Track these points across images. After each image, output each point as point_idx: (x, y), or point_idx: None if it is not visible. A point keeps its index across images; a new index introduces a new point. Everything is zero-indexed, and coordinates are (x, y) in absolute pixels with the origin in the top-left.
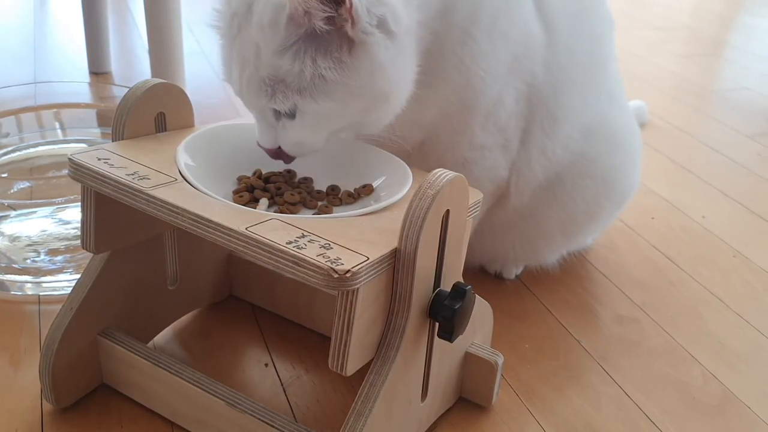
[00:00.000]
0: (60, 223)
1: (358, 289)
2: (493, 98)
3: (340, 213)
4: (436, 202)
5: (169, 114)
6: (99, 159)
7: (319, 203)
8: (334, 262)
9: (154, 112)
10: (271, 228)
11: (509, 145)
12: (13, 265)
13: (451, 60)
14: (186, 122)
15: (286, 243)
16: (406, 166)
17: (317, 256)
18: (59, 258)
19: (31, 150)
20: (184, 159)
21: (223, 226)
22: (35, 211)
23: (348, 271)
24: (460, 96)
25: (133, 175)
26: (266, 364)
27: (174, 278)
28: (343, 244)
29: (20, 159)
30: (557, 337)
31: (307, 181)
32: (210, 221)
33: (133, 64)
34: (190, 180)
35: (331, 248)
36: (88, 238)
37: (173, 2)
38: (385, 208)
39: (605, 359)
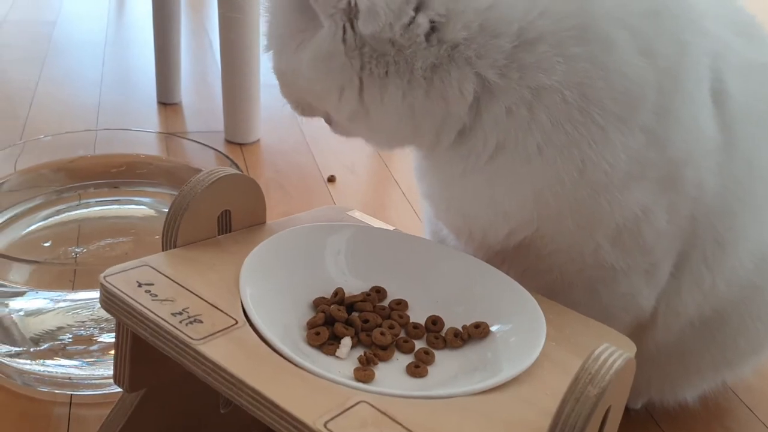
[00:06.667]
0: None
1: None
2: (629, 208)
3: (451, 389)
4: (599, 405)
5: (234, 211)
6: (139, 285)
7: (416, 345)
8: None
9: (218, 211)
10: (358, 423)
11: (656, 272)
12: (32, 349)
13: (556, 136)
14: (256, 218)
15: None
16: (536, 302)
17: None
18: (94, 347)
19: (82, 211)
20: (249, 290)
21: (291, 416)
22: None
23: None
24: (572, 189)
25: (181, 314)
26: None
27: (227, 401)
28: None
29: (67, 221)
30: None
31: (401, 306)
32: (274, 405)
33: (204, 96)
34: (258, 325)
35: None
36: (122, 374)
37: (250, 30)
38: (511, 381)
39: None
